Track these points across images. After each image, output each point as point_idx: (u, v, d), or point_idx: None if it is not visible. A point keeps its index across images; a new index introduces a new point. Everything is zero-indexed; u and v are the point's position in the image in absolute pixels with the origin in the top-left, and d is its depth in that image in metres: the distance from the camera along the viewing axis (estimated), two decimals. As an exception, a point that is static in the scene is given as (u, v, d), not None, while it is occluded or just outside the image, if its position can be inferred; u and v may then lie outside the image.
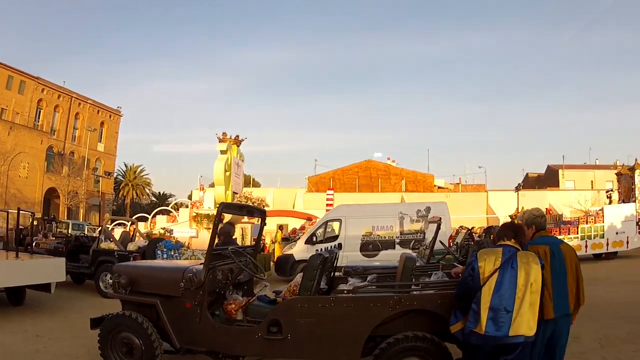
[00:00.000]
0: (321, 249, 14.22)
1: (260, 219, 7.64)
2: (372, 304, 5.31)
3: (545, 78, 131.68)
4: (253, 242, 13.88)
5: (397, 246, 17.62)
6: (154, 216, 34.10)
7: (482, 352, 4.40)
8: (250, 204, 15.89)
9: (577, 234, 24.41)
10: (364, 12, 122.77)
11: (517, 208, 34.07)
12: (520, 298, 4.18)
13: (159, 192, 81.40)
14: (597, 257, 24.65)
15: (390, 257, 14.51)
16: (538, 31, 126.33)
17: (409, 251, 14.27)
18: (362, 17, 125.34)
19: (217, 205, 18.51)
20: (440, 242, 9.94)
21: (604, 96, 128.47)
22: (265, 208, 18.88)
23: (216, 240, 6.30)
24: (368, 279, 6.48)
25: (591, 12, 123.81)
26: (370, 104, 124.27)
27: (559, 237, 22.86)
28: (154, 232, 21.50)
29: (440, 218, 10.07)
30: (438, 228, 9.19)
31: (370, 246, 17.80)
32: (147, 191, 76.98)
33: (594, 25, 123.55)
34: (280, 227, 31.87)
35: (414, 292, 5.44)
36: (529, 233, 4.79)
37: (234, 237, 9.18)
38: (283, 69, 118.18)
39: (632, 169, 27.03)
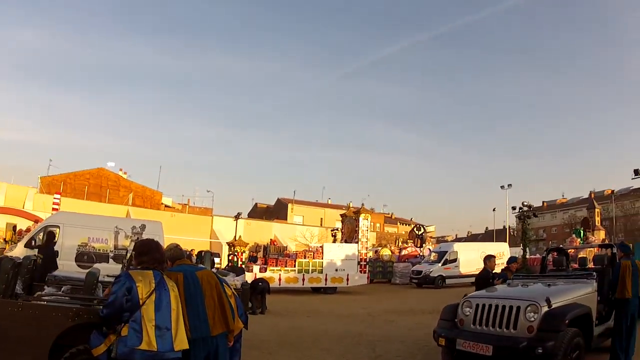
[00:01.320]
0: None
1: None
2: (54, 312, 5.58)
3: (283, 114, 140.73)
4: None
5: (111, 260, 17.40)
6: None
7: None
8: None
9: (295, 267, 25.21)
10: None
11: (235, 236, 35.36)
12: (175, 317, 4.48)
13: None
14: (317, 290, 25.80)
15: (104, 271, 14.47)
16: (290, 65, 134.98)
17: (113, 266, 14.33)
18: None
19: None
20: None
21: (340, 140, 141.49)
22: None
23: None
24: (63, 289, 6.71)
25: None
26: (111, 109, 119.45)
27: (275, 268, 24.45)
28: None
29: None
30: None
31: (85, 257, 17.21)
32: None
33: (350, 78, 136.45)
34: (14, 228, 29.32)
35: (96, 307, 5.64)
36: (168, 265, 5.03)
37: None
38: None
39: (357, 213, 28.94)
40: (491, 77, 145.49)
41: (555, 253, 11.12)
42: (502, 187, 56.88)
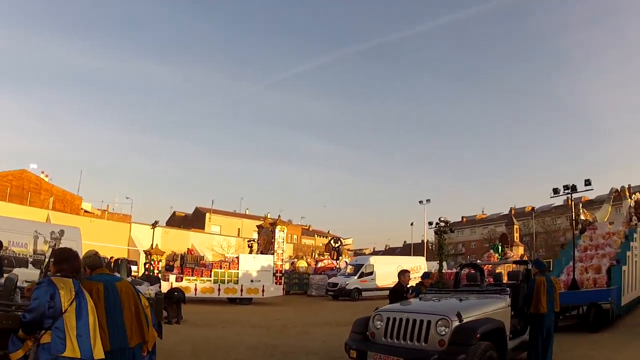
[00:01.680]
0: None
1: None
2: None
3: (204, 122, 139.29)
4: None
5: (30, 265, 16.76)
6: None
7: None
8: None
9: (211, 277, 25.10)
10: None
11: (152, 244, 34.83)
12: (93, 326, 4.47)
13: None
14: (232, 301, 25.60)
15: (23, 277, 13.92)
16: (214, 73, 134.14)
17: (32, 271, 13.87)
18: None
19: None
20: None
21: (260, 150, 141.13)
22: None
23: None
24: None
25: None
26: (32, 110, 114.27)
27: (191, 278, 24.19)
28: None
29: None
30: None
31: (5, 261, 16.56)
32: None
33: (273, 89, 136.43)
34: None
35: (15, 312, 5.40)
36: (87, 272, 5.03)
37: None
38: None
39: (273, 224, 29.08)
40: (414, 93, 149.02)
41: (470, 268, 11.54)
42: (420, 202, 58.24)
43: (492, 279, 12.29)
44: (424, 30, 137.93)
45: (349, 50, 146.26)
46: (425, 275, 11.57)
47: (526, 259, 26.80)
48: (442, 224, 22.94)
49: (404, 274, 10.64)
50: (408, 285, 10.71)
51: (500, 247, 23.64)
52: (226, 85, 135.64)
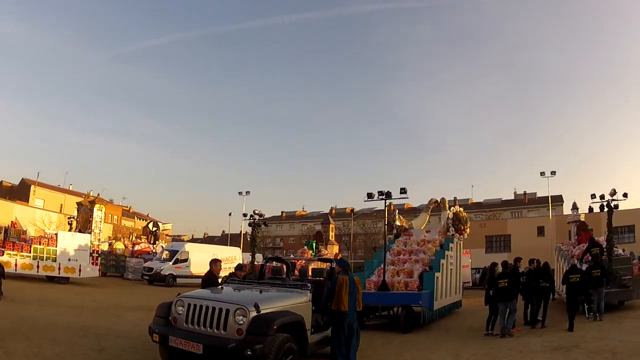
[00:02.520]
0: None
1: None
2: None
3: (41, 88, 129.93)
4: None
5: None
6: None
7: None
8: None
9: (30, 252, 24.03)
10: None
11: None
12: None
13: None
14: (51, 279, 24.78)
15: None
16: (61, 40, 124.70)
17: None
18: None
19: None
20: None
21: (93, 124, 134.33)
22: None
23: None
24: None
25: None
26: None
27: (12, 252, 23.26)
28: None
29: None
30: None
31: None
32: None
33: (118, 62, 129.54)
34: None
35: None
36: None
37: None
38: None
39: (92, 202, 28.16)
40: (255, 84, 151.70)
41: (275, 262, 11.62)
42: (240, 193, 58.28)
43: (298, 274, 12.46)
44: (271, 24, 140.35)
45: (194, 33, 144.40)
46: (238, 267, 11.52)
47: (340, 257, 27.88)
48: (257, 217, 22.98)
49: (215, 263, 10.59)
50: (220, 275, 10.61)
51: (314, 245, 24.16)
52: (67, 53, 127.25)
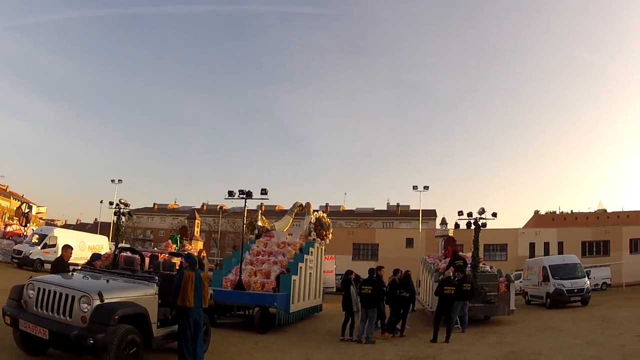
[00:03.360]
0: None
1: None
2: None
3: None
4: None
5: None
6: None
7: None
8: None
9: None
10: None
11: None
12: None
13: None
14: None
15: None
16: None
17: None
18: None
19: None
20: None
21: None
22: None
23: None
24: None
25: None
26: None
27: None
28: None
29: None
30: None
31: None
32: None
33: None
34: None
35: None
36: None
37: None
38: None
39: None
40: (151, 74, 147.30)
41: (129, 253, 11.68)
42: (112, 181, 56.86)
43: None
44: (163, 12, 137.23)
45: (97, 12, 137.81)
46: (95, 257, 11.58)
47: (204, 255, 27.89)
48: (122, 206, 22.60)
49: (66, 249, 10.79)
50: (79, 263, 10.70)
51: (179, 239, 24.09)
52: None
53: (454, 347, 12.69)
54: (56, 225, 62.76)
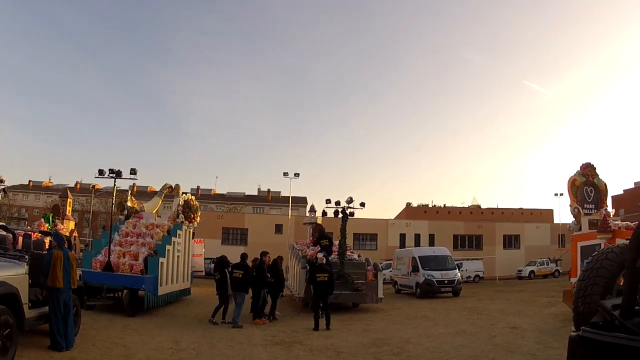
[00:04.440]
0: None
1: None
2: None
3: None
4: None
5: None
6: None
7: None
8: None
9: None
10: None
11: None
12: None
13: None
14: None
15: None
16: None
17: None
18: None
19: None
20: None
21: None
22: None
23: None
24: None
25: None
26: None
27: None
28: None
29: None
30: None
31: None
32: None
33: None
34: None
35: None
36: None
37: None
38: None
39: None
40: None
41: (1, 230, 11.18)
42: None
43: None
44: None
45: None
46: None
47: (75, 235, 26.80)
48: (-4, 183, 21.23)
49: None
50: None
51: (51, 218, 22.99)
52: None
53: (321, 333, 12.95)
54: None
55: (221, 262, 16.08)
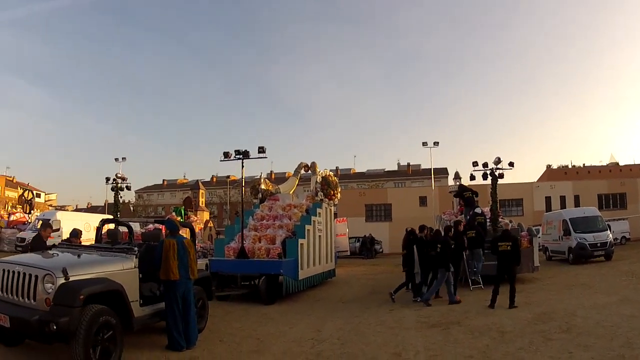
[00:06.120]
0: None
1: None
2: None
3: None
4: None
5: None
6: None
7: None
8: None
9: None
10: None
11: None
12: None
13: None
14: None
15: None
16: None
17: None
18: None
19: None
20: None
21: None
22: None
23: None
24: None
25: None
26: None
27: None
28: None
29: None
30: None
31: None
32: None
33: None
34: None
35: None
36: None
37: None
38: None
39: None
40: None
41: (117, 225, 10.69)
42: (116, 159, 56.05)
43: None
44: None
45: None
46: (73, 234, 10.69)
47: (211, 225, 26.97)
48: (120, 180, 21.75)
49: (44, 228, 10.35)
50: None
51: (183, 211, 23.20)
52: None
53: (480, 311, 11.71)
54: (67, 211, 62.40)
55: (411, 237, 14.67)
